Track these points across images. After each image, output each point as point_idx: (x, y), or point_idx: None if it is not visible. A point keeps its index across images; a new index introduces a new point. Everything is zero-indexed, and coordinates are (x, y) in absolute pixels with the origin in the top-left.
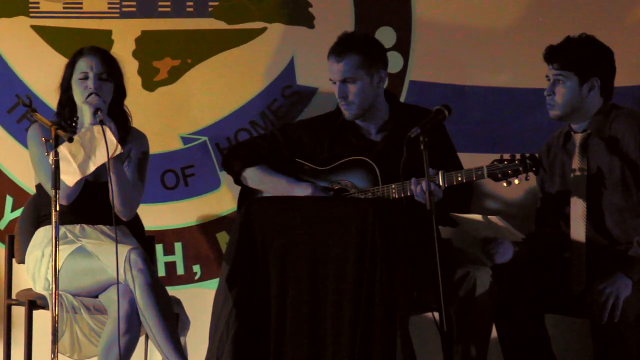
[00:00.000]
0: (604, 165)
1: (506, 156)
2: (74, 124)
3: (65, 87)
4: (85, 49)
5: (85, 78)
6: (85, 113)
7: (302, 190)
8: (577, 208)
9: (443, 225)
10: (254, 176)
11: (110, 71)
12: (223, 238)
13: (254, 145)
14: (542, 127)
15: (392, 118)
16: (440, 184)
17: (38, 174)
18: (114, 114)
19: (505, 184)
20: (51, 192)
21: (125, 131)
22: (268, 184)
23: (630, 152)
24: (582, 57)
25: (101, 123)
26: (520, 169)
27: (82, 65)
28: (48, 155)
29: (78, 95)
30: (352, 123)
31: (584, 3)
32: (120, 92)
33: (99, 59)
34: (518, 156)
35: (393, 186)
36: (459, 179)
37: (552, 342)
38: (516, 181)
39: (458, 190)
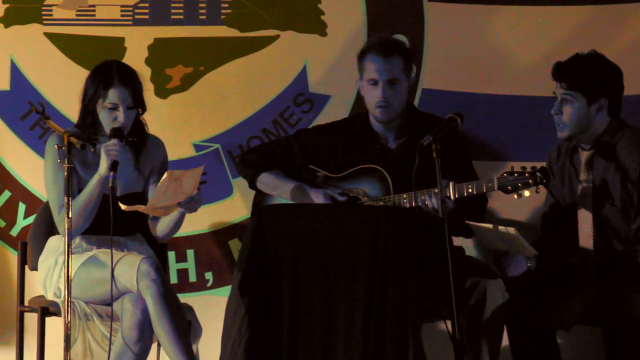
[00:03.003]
0: (607, 187)
1: (517, 168)
2: (96, 142)
3: (91, 110)
4: (115, 76)
5: (114, 109)
6: (102, 157)
7: (314, 197)
8: (585, 219)
9: (456, 235)
10: (268, 181)
11: (137, 100)
12: (235, 245)
13: (268, 151)
14: (551, 135)
15: (409, 126)
16: (451, 195)
17: (47, 194)
18: (134, 127)
19: (515, 196)
20: (56, 218)
21: (143, 140)
22: (281, 189)
23: (630, 181)
24: (591, 77)
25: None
26: (530, 181)
27: (113, 96)
28: (61, 162)
29: (106, 122)
30: (369, 130)
31: (592, 15)
32: (141, 108)
33: (129, 91)
34: (529, 168)
35: (405, 196)
36: (470, 190)
37: (562, 350)
38: (526, 193)
39: (472, 201)
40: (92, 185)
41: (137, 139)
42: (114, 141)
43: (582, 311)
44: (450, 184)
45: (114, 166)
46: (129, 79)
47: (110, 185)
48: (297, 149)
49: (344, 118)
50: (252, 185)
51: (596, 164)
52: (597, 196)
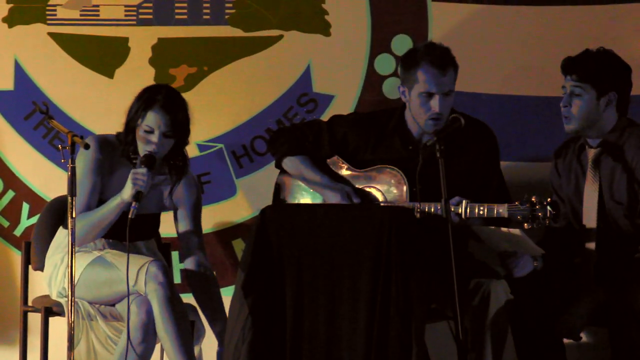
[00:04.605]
0: (614, 185)
1: (533, 198)
2: (135, 160)
3: (132, 128)
4: (159, 100)
5: (151, 132)
6: (128, 183)
7: (332, 195)
8: (590, 217)
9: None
10: (292, 165)
11: (175, 129)
12: (239, 245)
13: (299, 134)
14: (556, 134)
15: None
16: (462, 213)
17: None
18: (173, 156)
19: (526, 225)
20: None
21: (181, 173)
22: (303, 177)
23: (636, 180)
24: (601, 70)
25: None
26: (540, 214)
27: (151, 119)
28: (65, 162)
29: (141, 143)
30: (404, 129)
31: (597, 15)
32: (183, 140)
33: (168, 118)
34: (541, 200)
35: (419, 206)
36: (481, 212)
37: (567, 351)
38: (535, 224)
39: (495, 223)
40: (111, 206)
41: (175, 172)
42: (143, 170)
43: (589, 317)
44: (463, 202)
45: (137, 196)
46: (171, 107)
47: (130, 216)
48: (327, 139)
49: (380, 110)
50: (278, 165)
51: (603, 162)
52: (603, 194)
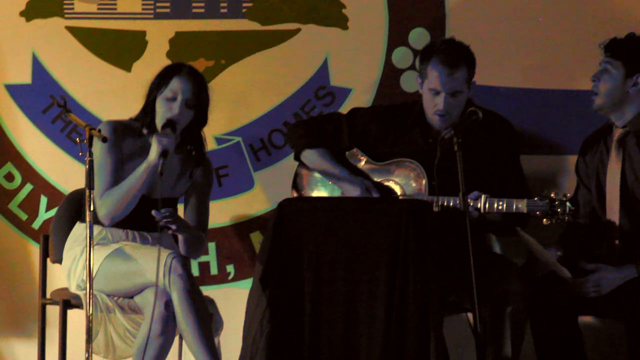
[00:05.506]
0: (637, 168)
1: (553, 194)
2: (149, 131)
3: (153, 98)
4: (185, 69)
5: (173, 99)
6: (153, 145)
7: (351, 189)
8: (613, 197)
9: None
10: (312, 158)
11: (198, 100)
12: (257, 238)
13: (318, 127)
14: (575, 128)
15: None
16: (481, 207)
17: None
18: (191, 138)
19: (545, 221)
20: (97, 203)
21: (200, 154)
22: (323, 170)
23: None
24: (634, 50)
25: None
26: (559, 210)
27: (175, 85)
28: (83, 155)
29: (160, 111)
30: (423, 123)
31: (620, 5)
32: (201, 119)
33: (192, 86)
34: (561, 196)
35: (437, 200)
36: (500, 207)
37: (585, 345)
38: (554, 220)
39: (515, 217)
40: (139, 172)
41: (195, 152)
42: (167, 130)
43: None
44: (482, 196)
45: (164, 154)
46: (195, 77)
47: (159, 170)
48: (346, 132)
49: (401, 103)
50: (297, 158)
51: (629, 143)
52: (627, 175)
